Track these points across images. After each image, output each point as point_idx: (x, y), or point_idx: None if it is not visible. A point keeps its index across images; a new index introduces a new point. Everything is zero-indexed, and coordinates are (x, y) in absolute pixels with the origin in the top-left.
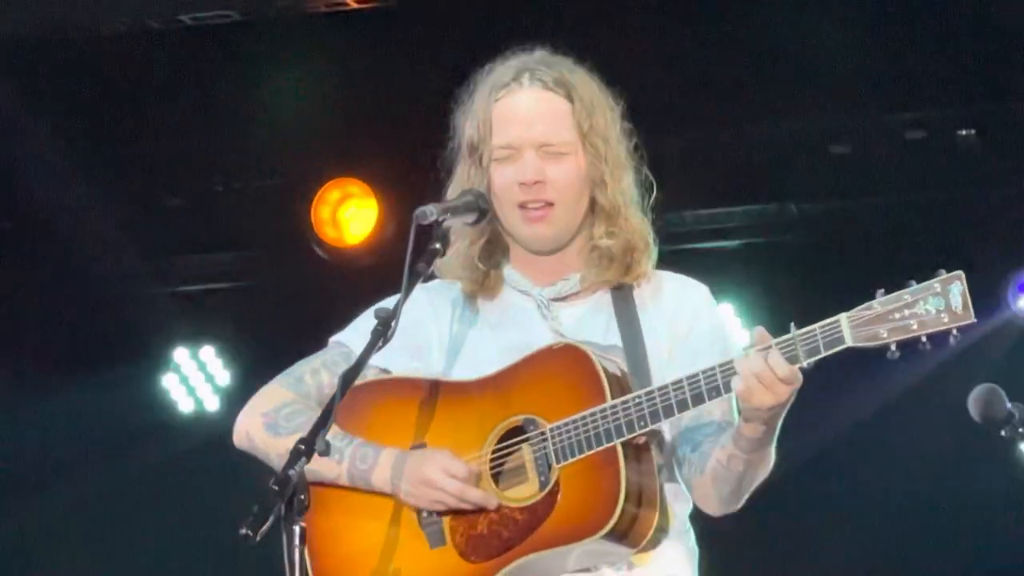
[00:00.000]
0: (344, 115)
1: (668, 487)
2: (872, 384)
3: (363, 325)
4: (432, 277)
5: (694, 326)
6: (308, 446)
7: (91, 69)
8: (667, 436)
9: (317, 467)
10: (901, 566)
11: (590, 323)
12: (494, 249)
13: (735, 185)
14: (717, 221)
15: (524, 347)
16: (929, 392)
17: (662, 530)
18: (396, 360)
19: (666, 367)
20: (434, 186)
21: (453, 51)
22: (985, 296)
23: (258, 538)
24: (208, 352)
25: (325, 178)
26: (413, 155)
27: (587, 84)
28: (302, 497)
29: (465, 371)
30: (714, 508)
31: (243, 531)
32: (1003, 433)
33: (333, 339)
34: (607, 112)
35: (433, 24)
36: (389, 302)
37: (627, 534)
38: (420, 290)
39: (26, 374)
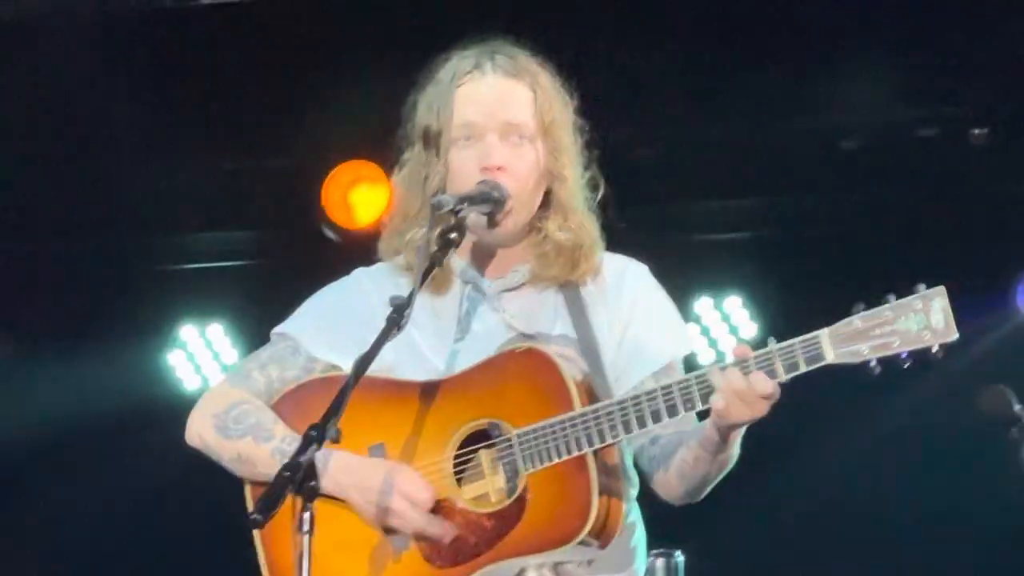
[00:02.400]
0: (357, 97)
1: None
2: (879, 387)
3: (307, 315)
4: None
5: (637, 312)
6: (320, 432)
7: (105, 46)
8: None
9: (266, 470)
10: (907, 570)
11: (539, 314)
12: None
13: (746, 178)
14: (727, 213)
15: (476, 341)
16: (938, 393)
17: (626, 530)
18: (345, 354)
19: (616, 357)
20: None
21: (462, 35)
22: (995, 295)
23: (267, 523)
24: (216, 330)
25: (336, 159)
26: None
27: (547, 75)
28: (312, 483)
29: (416, 367)
30: (677, 501)
31: (253, 515)
32: (1012, 433)
33: (276, 331)
34: (565, 106)
35: (444, 10)
36: (344, 288)
37: (599, 537)
38: (365, 277)
39: (32, 347)
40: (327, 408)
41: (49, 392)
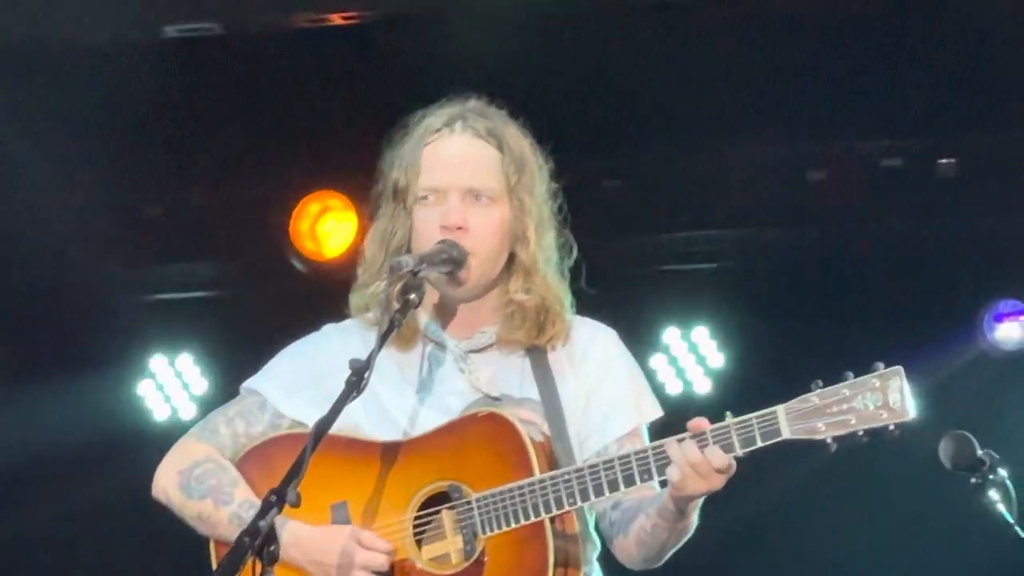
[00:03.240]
0: (325, 128)
1: (584, 539)
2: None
3: (275, 371)
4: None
5: (605, 377)
6: (280, 497)
7: (73, 79)
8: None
9: (225, 533)
10: None
11: (506, 377)
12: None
13: (710, 209)
14: (692, 244)
15: (441, 401)
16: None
17: None
18: (311, 412)
19: (582, 422)
20: None
21: (436, 67)
22: (962, 326)
23: None
24: (185, 360)
25: (305, 191)
26: None
27: (518, 138)
28: (272, 548)
29: (382, 425)
30: (637, 566)
31: None
32: (973, 480)
33: (245, 386)
34: (535, 169)
35: (416, 40)
36: (318, 346)
37: None
38: (334, 333)
39: (2, 377)
40: (287, 471)
41: (17, 423)
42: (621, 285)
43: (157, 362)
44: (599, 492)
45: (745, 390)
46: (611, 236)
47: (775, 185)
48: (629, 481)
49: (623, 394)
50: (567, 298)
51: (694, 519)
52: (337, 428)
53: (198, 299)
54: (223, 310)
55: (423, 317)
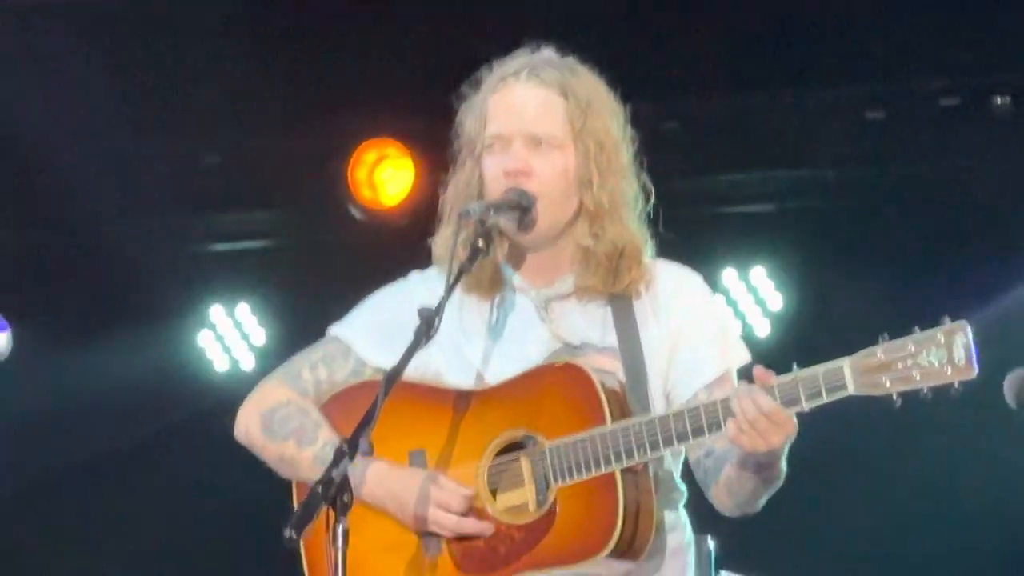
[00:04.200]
0: (381, 76)
1: (667, 487)
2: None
3: (359, 318)
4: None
5: (690, 323)
6: (352, 447)
7: (131, 23)
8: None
9: (307, 475)
10: (923, 556)
11: (587, 325)
12: (493, 245)
13: (770, 149)
14: (751, 185)
15: (522, 350)
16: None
17: (658, 542)
18: (393, 360)
19: (668, 370)
20: None
21: (493, 12)
22: (1019, 266)
23: (301, 539)
24: (244, 310)
25: (362, 138)
26: (451, 117)
27: (587, 85)
28: (346, 498)
29: (464, 373)
30: (732, 514)
31: (287, 533)
32: None
33: (331, 331)
34: (606, 115)
35: None
36: (395, 292)
37: (626, 553)
38: (418, 280)
39: (61, 331)
40: (360, 419)
41: (80, 376)
42: (678, 227)
43: (216, 312)
44: (668, 443)
45: (804, 331)
46: (667, 178)
47: (833, 126)
48: (697, 433)
49: (710, 340)
50: (645, 243)
51: (779, 469)
52: (420, 375)
53: (256, 249)
54: (281, 260)
55: (505, 265)
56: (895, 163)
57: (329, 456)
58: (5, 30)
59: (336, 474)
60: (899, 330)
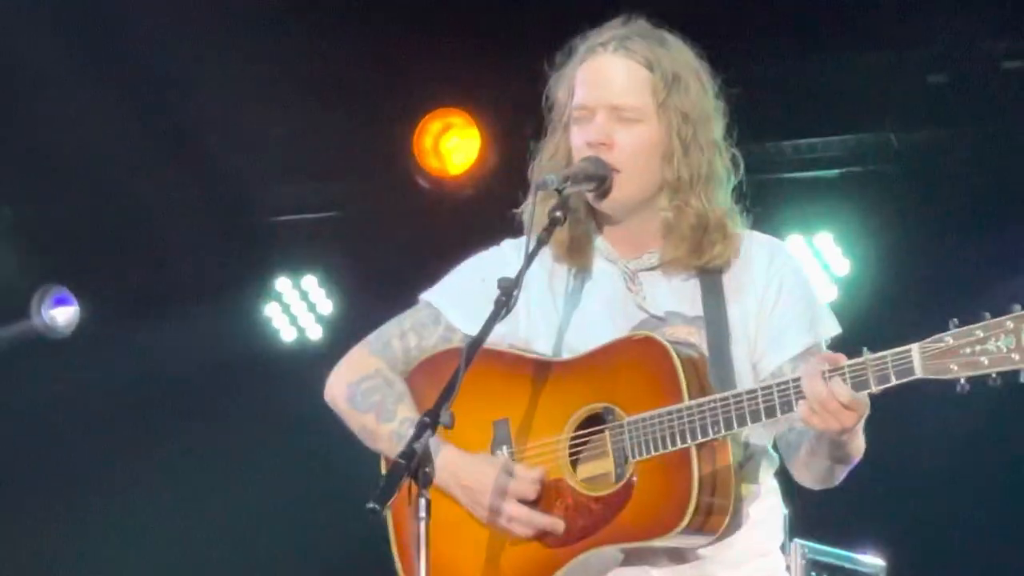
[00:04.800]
0: (447, 45)
1: (757, 457)
2: None
3: (450, 285)
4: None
5: (777, 295)
6: (433, 419)
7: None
8: None
9: (384, 448)
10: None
11: (673, 297)
12: (581, 214)
13: (833, 115)
14: (816, 150)
15: (608, 320)
16: None
17: (738, 515)
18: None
19: (755, 343)
20: (537, 118)
21: None
22: None
23: (385, 512)
24: (310, 281)
25: (428, 108)
26: (516, 85)
27: (676, 58)
28: (428, 469)
29: (551, 340)
30: (812, 487)
31: (370, 505)
32: None
33: (423, 297)
34: (694, 89)
35: None
36: (487, 261)
37: (702, 528)
38: (510, 248)
39: (129, 304)
40: (441, 391)
41: (147, 350)
42: (743, 194)
43: (282, 283)
44: (742, 422)
45: (870, 296)
46: (731, 144)
47: (896, 89)
48: (770, 412)
49: (797, 312)
50: (733, 216)
51: (856, 446)
52: (510, 343)
53: (321, 219)
54: (347, 230)
55: (596, 235)
56: (958, 126)
57: (405, 434)
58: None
59: (419, 446)
60: (964, 293)
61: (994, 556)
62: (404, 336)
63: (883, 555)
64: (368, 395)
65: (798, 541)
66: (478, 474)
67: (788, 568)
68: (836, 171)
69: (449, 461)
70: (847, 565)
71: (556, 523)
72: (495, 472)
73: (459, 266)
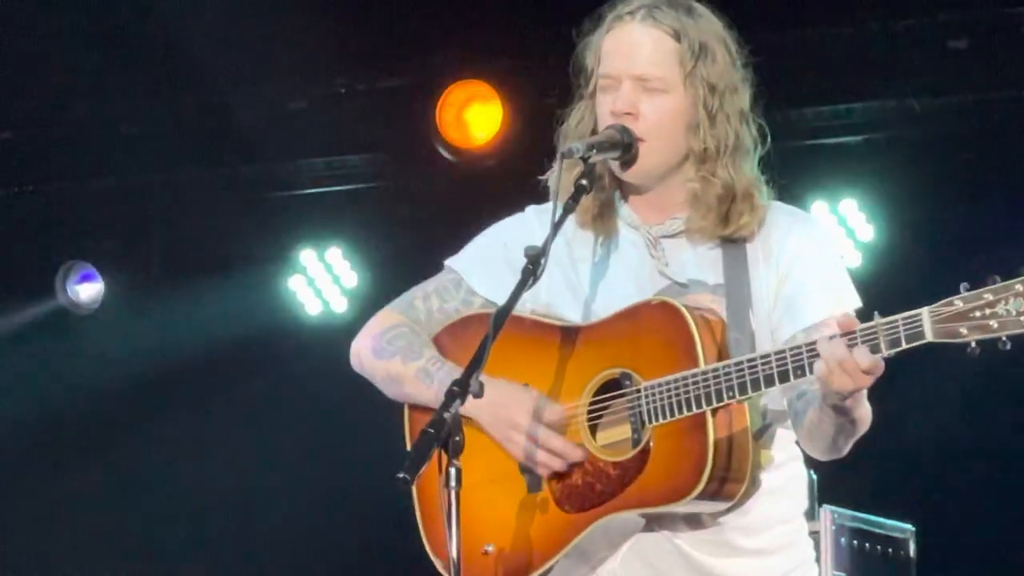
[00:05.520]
0: (468, 15)
1: (776, 423)
2: None
3: (473, 250)
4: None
5: (797, 265)
6: (463, 387)
7: None
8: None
9: (412, 390)
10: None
11: (695, 264)
12: (606, 181)
13: (855, 81)
14: (838, 117)
15: (629, 285)
16: None
17: (755, 482)
18: (503, 291)
19: (772, 311)
20: (559, 88)
21: None
22: None
23: (414, 481)
24: (335, 254)
25: (449, 79)
26: (539, 55)
27: (704, 28)
28: (457, 438)
29: (572, 305)
30: (817, 456)
31: (400, 475)
32: None
33: (447, 263)
34: (721, 59)
35: None
36: (508, 228)
37: (718, 493)
38: (533, 215)
39: (154, 275)
40: (469, 361)
41: (172, 324)
42: (767, 161)
43: (307, 256)
44: (756, 387)
45: (894, 262)
46: (756, 109)
47: (917, 55)
48: (783, 377)
49: (815, 282)
50: (759, 187)
51: (860, 413)
52: (530, 307)
53: (345, 192)
54: (371, 202)
55: (619, 200)
56: (979, 92)
57: (432, 370)
58: None
59: (448, 415)
60: (988, 258)
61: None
62: (427, 298)
63: (912, 520)
64: (394, 341)
65: (827, 507)
66: (509, 393)
67: (817, 533)
68: (859, 138)
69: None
70: (877, 530)
71: (574, 451)
72: (520, 392)
73: (483, 232)
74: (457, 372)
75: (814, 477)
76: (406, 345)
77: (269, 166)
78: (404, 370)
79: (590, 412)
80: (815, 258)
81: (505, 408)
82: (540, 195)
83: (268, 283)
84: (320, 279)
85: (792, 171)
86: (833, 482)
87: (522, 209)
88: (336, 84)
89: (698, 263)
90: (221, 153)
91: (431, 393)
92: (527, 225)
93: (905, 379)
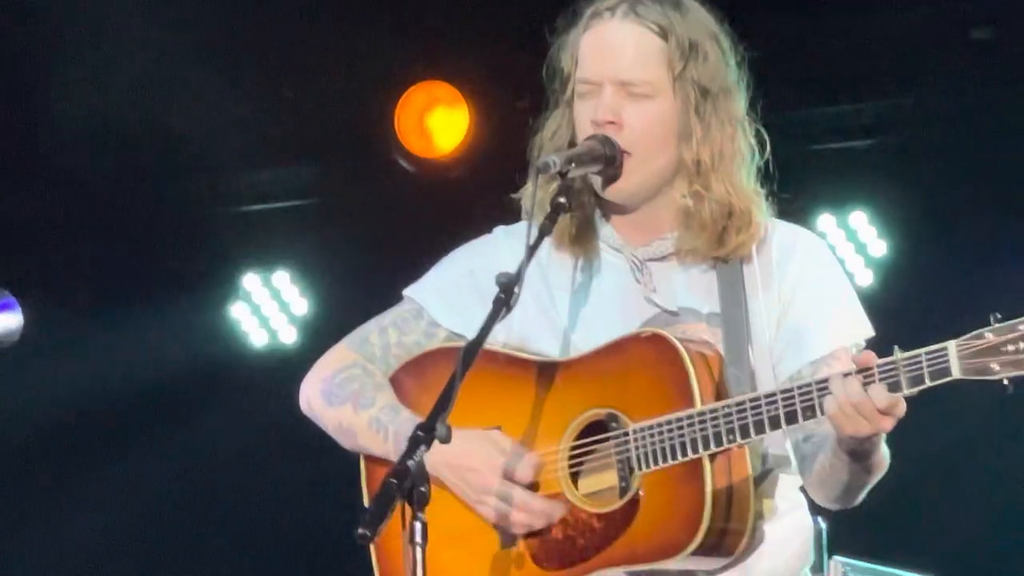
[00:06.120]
0: (432, 11)
1: (778, 468)
2: None
3: (438, 279)
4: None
5: (801, 291)
6: (427, 432)
7: None
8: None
9: (365, 442)
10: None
11: (687, 290)
12: (585, 198)
13: (865, 76)
14: (846, 118)
15: (613, 315)
16: None
17: (757, 534)
18: (469, 323)
19: (774, 342)
20: (532, 91)
21: None
22: None
23: (375, 538)
24: (282, 278)
25: (409, 81)
26: (509, 55)
27: (693, 25)
28: (423, 489)
29: (549, 338)
30: (827, 505)
31: (360, 531)
32: None
33: (406, 292)
34: (713, 59)
35: None
36: (476, 251)
37: (716, 548)
38: (501, 234)
39: (81, 306)
40: (436, 401)
41: (100, 358)
42: (768, 174)
43: (251, 281)
44: (760, 429)
45: (910, 280)
46: (755, 118)
47: (935, 47)
48: (791, 418)
49: (822, 310)
50: (758, 202)
51: (878, 459)
52: (503, 342)
53: (293, 208)
54: (322, 220)
55: (599, 220)
56: (1005, 86)
57: (386, 420)
58: None
59: (412, 464)
60: (1013, 276)
61: None
62: (383, 332)
63: (933, 571)
64: (345, 385)
65: (837, 558)
66: (476, 449)
67: None
68: (870, 141)
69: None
70: None
71: (555, 509)
72: (487, 447)
73: (445, 258)
74: (415, 420)
75: (823, 526)
76: (358, 390)
77: (209, 180)
78: (356, 419)
79: (571, 457)
80: (821, 281)
81: (473, 472)
82: (513, 211)
83: (208, 312)
84: (266, 306)
85: (794, 181)
86: (844, 530)
87: (490, 230)
88: (282, 86)
89: (690, 288)
90: (154, 166)
91: (387, 446)
92: (496, 249)
93: (926, 413)
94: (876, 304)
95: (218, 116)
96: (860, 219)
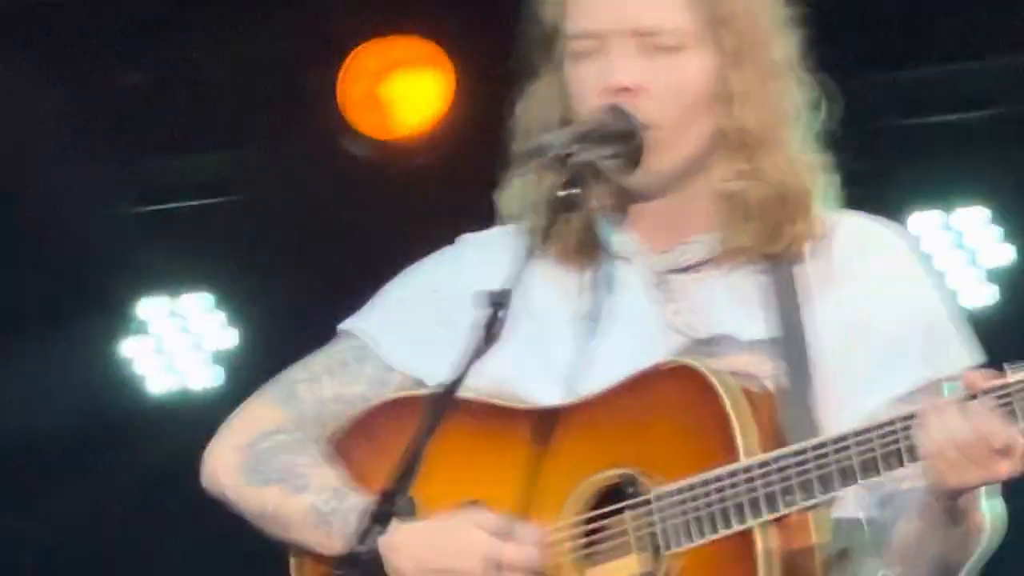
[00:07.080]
0: None
1: (848, 537)
2: None
3: (383, 305)
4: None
5: (879, 305)
6: (384, 510)
7: None
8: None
9: (301, 537)
10: None
11: (724, 308)
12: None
13: (978, 28)
14: (955, 84)
15: (625, 347)
16: None
17: None
18: (431, 364)
19: (842, 372)
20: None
21: None
22: None
23: None
24: (192, 302)
25: (361, 36)
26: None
27: None
28: None
29: (542, 380)
30: None
31: None
32: None
33: (343, 327)
34: None
35: None
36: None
37: None
38: (472, 249)
39: None
40: (396, 466)
41: None
42: (846, 149)
43: (151, 307)
44: (827, 486)
45: None
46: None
47: None
48: (868, 469)
49: (908, 330)
50: (820, 181)
51: (979, 521)
52: (476, 387)
53: (208, 207)
54: (247, 224)
55: (604, 221)
56: None
57: (325, 509)
58: None
59: (364, 551)
60: None
61: None
62: (316, 381)
63: None
64: (268, 458)
65: None
66: (443, 542)
67: None
68: (987, 112)
69: (403, 539)
70: None
71: None
72: (468, 533)
73: (395, 279)
74: (368, 504)
75: None
76: (287, 465)
77: (92, 170)
78: (287, 505)
79: (580, 535)
80: (905, 292)
81: (452, 574)
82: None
83: (93, 347)
84: (172, 340)
85: (878, 164)
86: None
87: (451, 241)
88: (187, 48)
89: (727, 306)
90: (22, 152)
91: (332, 543)
92: (463, 263)
93: None
94: (1001, 329)
95: (106, 86)
96: (973, 217)
